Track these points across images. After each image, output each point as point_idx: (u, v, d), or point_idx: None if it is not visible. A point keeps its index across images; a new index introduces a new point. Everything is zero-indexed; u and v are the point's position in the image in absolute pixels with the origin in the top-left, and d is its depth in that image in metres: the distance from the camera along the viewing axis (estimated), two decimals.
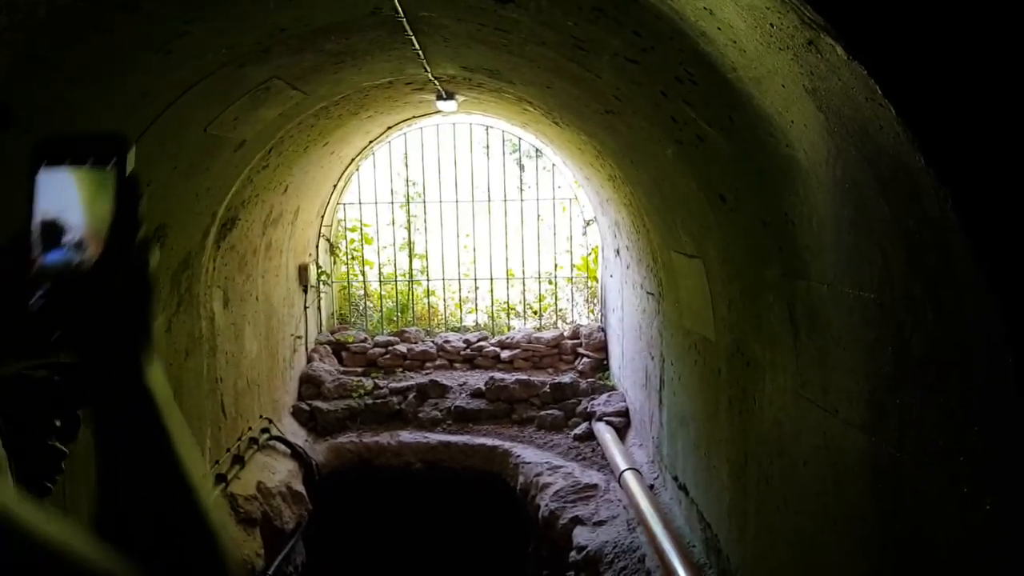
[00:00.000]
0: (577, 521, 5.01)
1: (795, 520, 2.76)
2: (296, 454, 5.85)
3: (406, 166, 7.91)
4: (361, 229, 7.96)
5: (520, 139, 7.83)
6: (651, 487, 4.94)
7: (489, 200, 7.79)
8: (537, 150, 7.68)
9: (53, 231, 0.81)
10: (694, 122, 2.81)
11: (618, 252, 6.27)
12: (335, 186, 7.44)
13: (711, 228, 3.34)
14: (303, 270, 6.66)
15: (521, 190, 8.15)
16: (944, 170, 1.56)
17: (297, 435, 6.19)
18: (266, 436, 5.52)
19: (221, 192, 4.26)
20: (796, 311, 2.64)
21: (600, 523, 4.90)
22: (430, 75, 4.54)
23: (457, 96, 5.34)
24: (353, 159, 7.38)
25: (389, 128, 7.06)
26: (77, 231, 0.82)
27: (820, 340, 2.49)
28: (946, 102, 1.55)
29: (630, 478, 5.01)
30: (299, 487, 5.60)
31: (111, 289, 0.79)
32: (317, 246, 7.29)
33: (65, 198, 0.82)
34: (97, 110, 2.70)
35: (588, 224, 7.75)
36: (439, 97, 5.31)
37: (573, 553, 4.78)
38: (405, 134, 7.60)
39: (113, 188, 0.81)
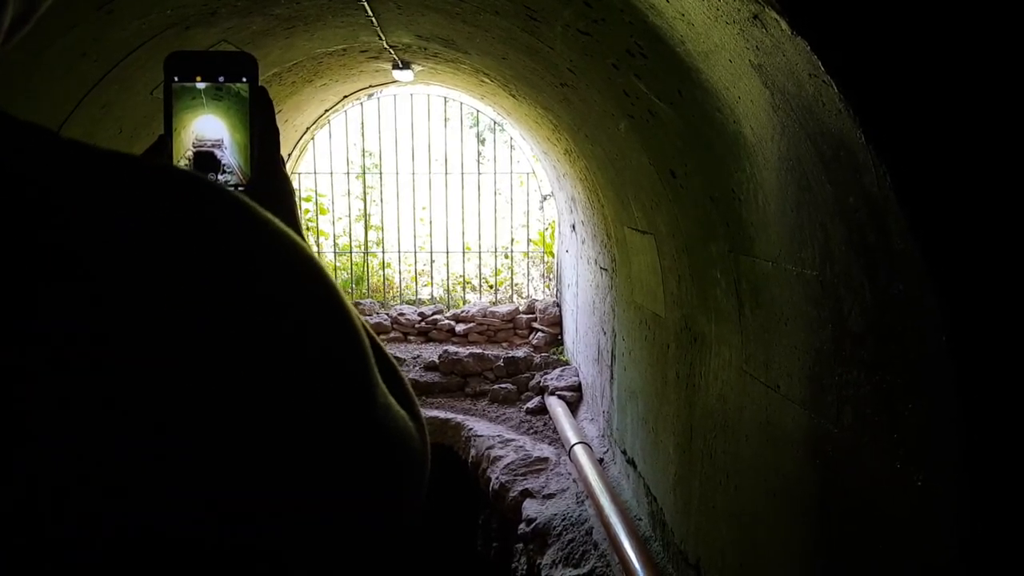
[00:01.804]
0: (527, 494, 5.04)
1: (737, 494, 2.80)
2: None
3: (363, 137, 7.80)
4: (316, 199, 7.85)
5: (478, 111, 7.77)
6: (601, 461, 4.98)
7: (447, 173, 7.73)
8: (496, 123, 7.62)
9: (205, 158, 0.87)
10: (645, 96, 2.80)
11: (574, 227, 6.26)
12: (290, 155, 7.32)
13: (662, 204, 3.34)
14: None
15: (479, 163, 8.10)
16: (884, 147, 1.57)
17: None
18: None
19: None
20: (741, 287, 2.66)
21: (550, 496, 4.93)
22: (385, 43, 4.46)
23: (413, 66, 5.26)
24: (308, 128, 7.25)
25: (345, 97, 6.94)
26: (228, 152, 0.87)
27: (764, 316, 2.51)
28: (888, 79, 1.55)
29: (580, 452, 5.04)
30: None
31: (267, 204, 0.80)
32: None
33: (210, 120, 0.86)
34: (30, 69, 2.60)
35: (545, 199, 7.73)
36: (395, 66, 5.23)
37: (522, 525, 4.81)
38: (362, 104, 7.49)
39: (247, 104, 0.85)
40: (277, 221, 0.64)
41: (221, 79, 0.86)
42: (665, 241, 3.50)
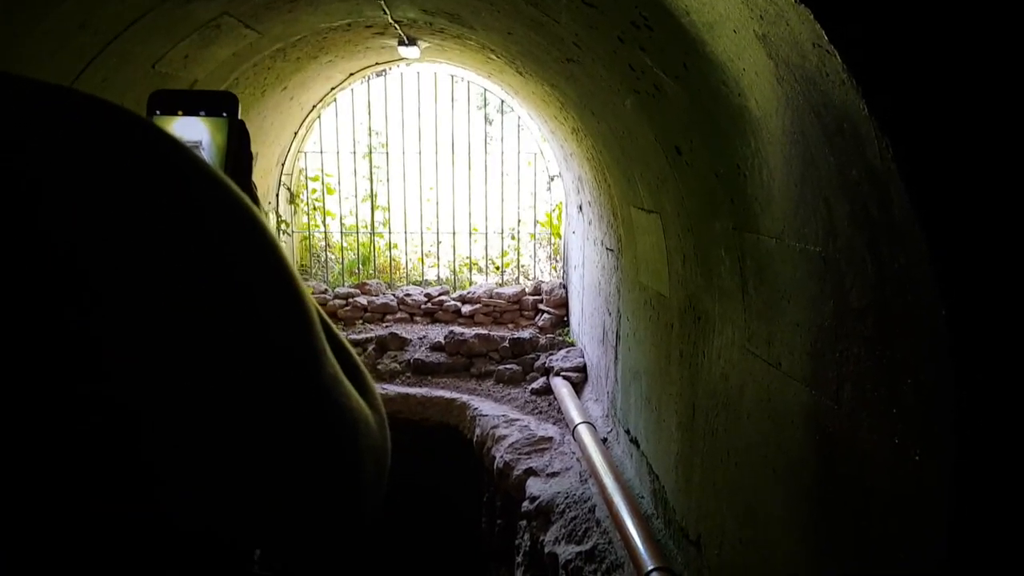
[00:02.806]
0: (531, 472, 5.05)
1: (738, 471, 2.79)
2: None
3: (369, 115, 7.77)
4: (323, 179, 7.84)
5: (486, 90, 7.73)
6: (604, 440, 4.99)
7: (454, 153, 7.70)
8: (503, 103, 7.58)
9: None
10: (651, 70, 2.77)
11: (581, 208, 6.24)
12: (295, 133, 7.31)
13: (667, 182, 3.32)
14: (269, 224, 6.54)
15: (487, 144, 8.06)
16: (887, 118, 1.55)
17: None
18: None
19: None
20: (745, 265, 2.64)
21: (553, 475, 4.94)
22: (390, 18, 4.44)
23: (419, 42, 5.23)
24: (314, 106, 7.24)
25: (351, 75, 6.91)
26: (206, 155, 0.91)
27: (767, 294, 2.50)
28: (892, 49, 1.53)
29: (584, 431, 5.05)
30: None
31: None
32: (277, 195, 7.17)
33: (191, 122, 0.91)
34: (25, 42, 2.59)
35: (552, 180, 7.71)
36: (401, 43, 5.20)
37: (526, 503, 4.83)
38: (368, 81, 7.46)
39: (226, 132, 0.91)
40: (231, 184, 0.64)
41: (202, 113, 0.91)
42: (670, 220, 3.48)
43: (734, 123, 2.35)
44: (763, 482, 2.55)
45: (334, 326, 0.82)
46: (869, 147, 1.63)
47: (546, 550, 4.37)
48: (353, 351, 0.85)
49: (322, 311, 0.77)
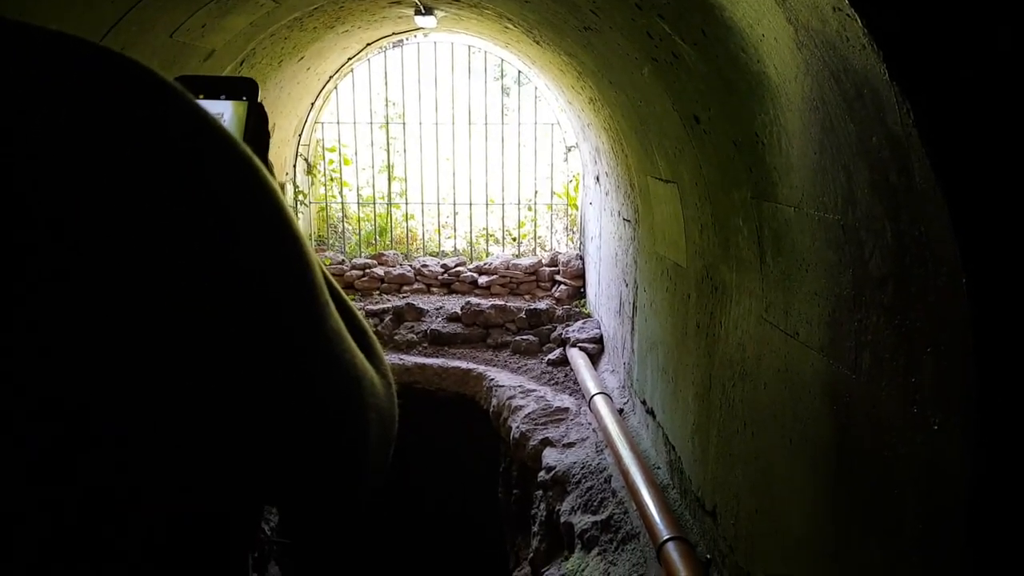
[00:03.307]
0: (547, 443, 5.08)
1: (754, 441, 2.80)
2: None
3: (386, 86, 7.74)
4: (340, 150, 7.84)
5: (503, 60, 7.68)
6: (620, 411, 5.00)
7: (471, 124, 7.67)
8: (520, 74, 7.52)
9: None
10: (669, 38, 2.74)
11: (598, 179, 6.21)
12: (312, 104, 7.30)
13: (685, 151, 3.29)
14: (279, 188, 6.55)
15: (504, 115, 8.02)
16: (908, 83, 1.52)
17: None
18: None
19: None
20: (763, 234, 2.63)
21: (569, 445, 4.97)
22: None
23: (436, 11, 5.19)
24: (331, 77, 7.22)
25: (368, 45, 6.88)
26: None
27: (785, 263, 2.48)
28: (913, 13, 1.50)
29: (600, 402, 5.06)
30: None
31: None
32: (295, 166, 7.18)
33: (210, 103, 0.93)
34: (45, 8, 2.60)
35: (569, 150, 7.66)
36: (418, 12, 5.17)
37: (542, 473, 4.86)
38: (385, 52, 7.43)
39: (245, 115, 0.94)
40: (239, 142, 0.64)
41: (223, 97, 0.94)
42: (688, 190, 3.46)
43: (752, 90, 2.33)
44: (779, 452, 2.55)
45: (343, 293, 0.82)
46: (890, 113, 1.61)
47: (562, 519, 4.40)
48: (362, 317, 0.83)
49: (330, 277, 0.77)
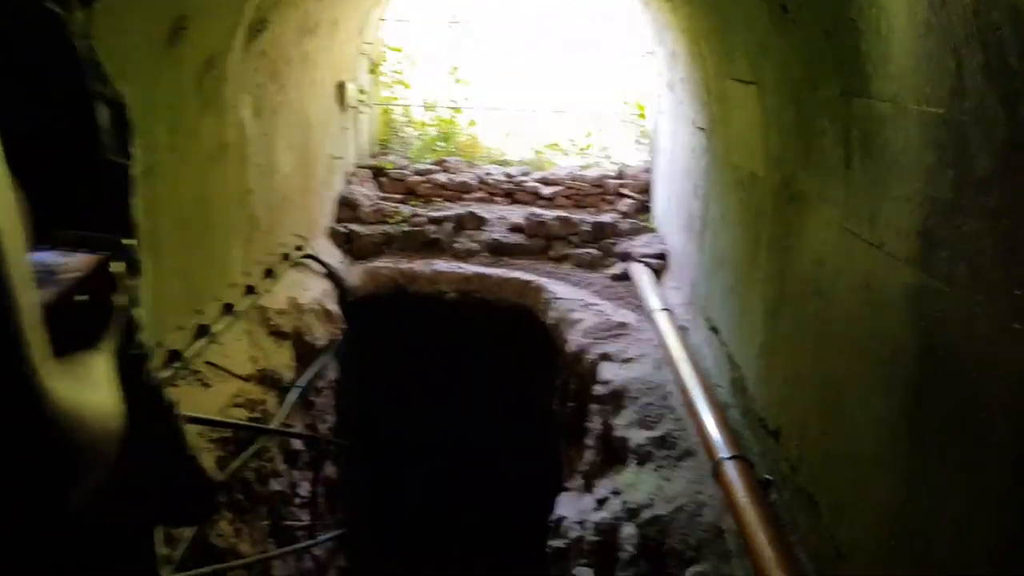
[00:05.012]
0: (605, 357, 4.97)
1: (826, 362, 2.62)
2: (330, 274, 5.85)
3: None
4: (404, 50, 7.62)
5: None
6: (682, 328, 4.84)
7: (540, 27, 7.36)
8: None
9: None
10: None
11: (672, 86, 5.90)
12: None
13: (769, 47, 3.03)
14: (341, 88, 6.42)
15: (576, 18, 7.67)
16: None
17: (332, 256, 6.17)
18: (300, 253, 5.49)
19: None
20: (851, 135, 2.39)
21: (628, 360, 4.85)
22: None
23: None
24: None
25: None
26: None
27: (873, 167, 2.26)
28: None
29: (662, 318, 4.91)
30: (332, 306, 5.62)
31: None
32: (357, 64, 7.01)
33: None
34: None
35: (643, 57, 7.31)
36: None
37: (599, 387, 4.76)
38: None
39: None
40: None
41: None
42: (769, 90, 3.20)
43: None
44: (854, 372, 2.38)
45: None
46: None
47: (617, 434, 4.32)
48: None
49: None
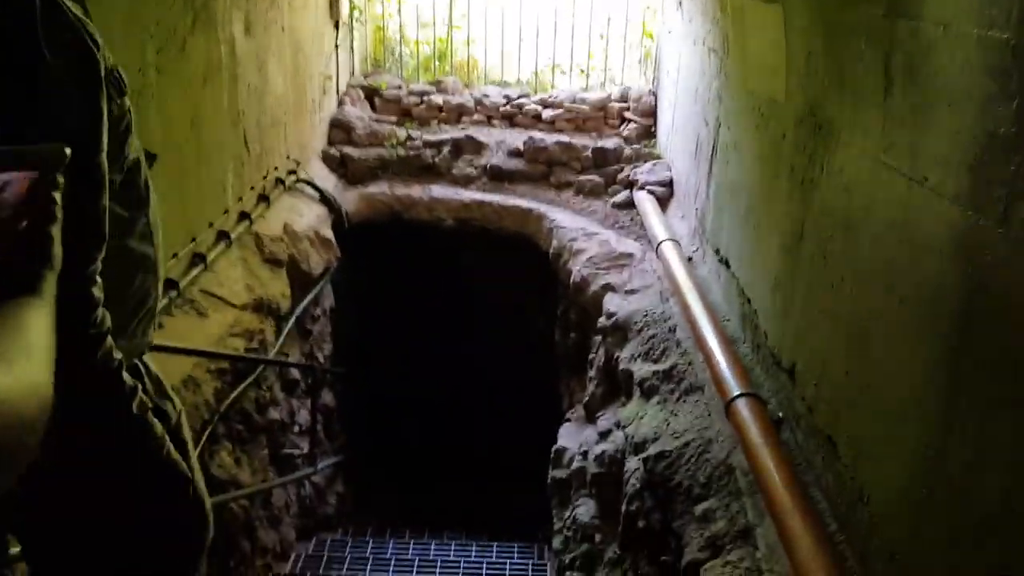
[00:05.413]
0: (609, 288, 4.87)
1: (852, 300, 2.51)
2: (325, 199, 5.68)
3: None
4: None
5: None
6: (689, 259, 4.73)
7: None
8: None
9: None
10: None
11: (681, 4, 5.64)
12: None
13: None
14: (334, 3, 6.13)
15: None
16: None
17: (326, 181, 5.99)
18: (293, 178, 5.31)
19: None
20: (894, 61, 2.23)
21: (632, 291, 4.75)
22: None
23: None
24: None
25: None
26: None
27: (919, 96, 2.11)
28: None
29: (668, 248, 4.79)
30: (327, 233, 5.48)
31: None
32: None
33: None
34: None
35: None
36: None
37: (602, 319, 4.68)
38: None
39: None
40: None
41: None
42: (796, 9, 3.01)
43: None
44: (885, 313, 2.27)
45: None
46: None
47: (621, 366, 4.25)
48: None
49: None
